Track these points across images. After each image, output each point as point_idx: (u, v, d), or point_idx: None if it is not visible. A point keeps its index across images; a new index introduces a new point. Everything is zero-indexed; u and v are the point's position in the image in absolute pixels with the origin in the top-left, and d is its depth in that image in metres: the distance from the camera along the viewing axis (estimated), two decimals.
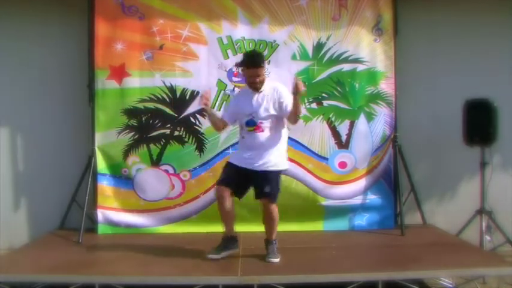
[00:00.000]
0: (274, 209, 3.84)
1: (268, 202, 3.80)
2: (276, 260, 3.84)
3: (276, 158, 3.82)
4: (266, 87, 3.83)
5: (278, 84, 3.91)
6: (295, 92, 3.56)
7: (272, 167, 3.81)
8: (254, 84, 3.78)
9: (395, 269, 3.65)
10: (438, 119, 5.06)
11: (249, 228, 4.68)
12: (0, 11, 4.92)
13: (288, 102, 3.74)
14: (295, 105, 3.65)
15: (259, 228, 4.69)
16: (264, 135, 3.79)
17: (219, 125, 3.96)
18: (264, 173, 3.78)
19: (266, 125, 3.79)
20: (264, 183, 3.77)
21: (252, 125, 3.79)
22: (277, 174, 3.86)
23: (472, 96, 4.62)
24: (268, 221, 3.89)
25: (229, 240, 3.93)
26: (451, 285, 3.82)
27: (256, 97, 3.81)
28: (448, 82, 5.07)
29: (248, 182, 3.86)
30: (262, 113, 3.77)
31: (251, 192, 4.75)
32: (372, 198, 4.91)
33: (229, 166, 3.88)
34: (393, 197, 4.91)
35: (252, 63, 3.74)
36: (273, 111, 3.78)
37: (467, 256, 3.99)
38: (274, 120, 3.81)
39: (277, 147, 3.84)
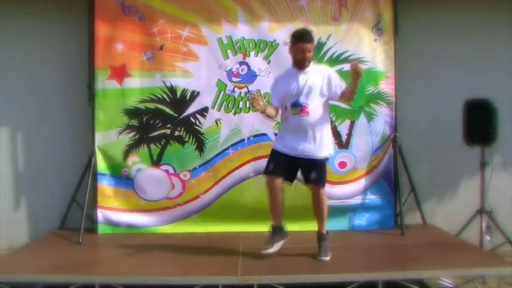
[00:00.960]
0: (323, 193, 3.81)
1: (316, 187, 3.79)
2: (328, 258, 3.81)
3: (322, 144, 3.76)
4: (312, 69, 3.77)
5: (326, 67, 3.90)
6: (356, 75, 3.53)
7: (318, 155, 3.75)
8: (302, 61, 3.69)
9: (395, 269, 3.65)
10: (438, 119, 5.06)
11: (249, 228, 4.71)
12: (0, 10, 4.93)
13: (338, 84, 3.72)
14: (355, 86, 3.60)
15: (259, 228, 4.70)
16: (310, 118, 3.70)
17: (274, 115, 3.82)
18: (310, 160, 3.75)
19: (312, 107, 3.70)
20: (310, 170, 3.75)
21: (298, 107, 3.71)
22: (323, 160, 3.82)
23: (472, 96, 4.62)
24: (319, 206, 3.85)
25: (280, 230, 3.89)
26: (451, 285, 3.82)
27: (303, 77, 3.73)
28: (448, 82, 5.07)
29: (296, 166, 3.81)
30: (309, 94, 3.69)
31: (249, 192, 4.80)
32: (372, 198, 4.91)
33: (275, 153, 3.80)
34: (393, 197, 4.91)
35: (302, 37, 3.68)
36: (321, 94, 3.73)
37: (467, 256, 3.99)
38: (321, 103, 3.75)
39: (323, 132, 3.77)
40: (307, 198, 4.78)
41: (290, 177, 3.86)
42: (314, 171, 3.75)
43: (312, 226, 4.79)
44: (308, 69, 3.76)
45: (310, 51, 3.71)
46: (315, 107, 3.72)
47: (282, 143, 3.81)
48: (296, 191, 4.80)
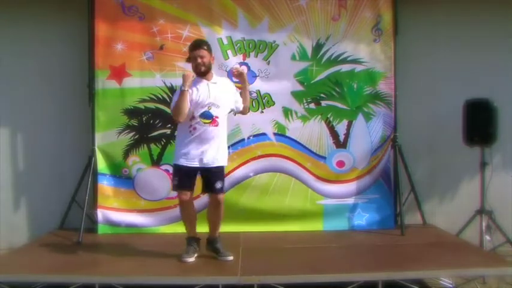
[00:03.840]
0: (223, 201, 3.85)
1: (220, 196, 3.81)
2: (232, 258, 3.86)
3: (224, 153, 3.87)
4: (220, 81, 3.89)
5: (229, 80, 4.09)
6: (243, 80, 3.77)
7: (222, 163, 3.84)
8: (198, 66, 3.74)
9: (395, 269, 3.65)
10: (438, 119, 5.07)
11: (249, 228, 4.71)
12: (0, 10, 4.93)
13: (239, 99, 3.93)
14: (246, 95, 3.93)
15: (259, 228, 4.73)
16: (217, 129, 3.78)
17: (186, 111, 3.71)
18: (216, 168, 3.80)
19: (221, 119, 3.80)
20: (216, 179, 3.78)
21: (208, 117, 3.75)
22: (224, 168, 3.89)
23: (472, 96, 4.62)
24: (218, 215, 3.87)
25: (195, 241, 3.93)
26: (451, 285, 3.82)
27: (213, 88, 3.79)
28: (448, 82, 5.07)
29: (196, 176, 3.86)
30: (219, 106, 3.77)
31: (249, 192, 4.79)
32: (372, 198, 4.91)
33: (179, 168, 3.81)
34: (393, 197, 4.92)
35: (193, 46, 3.80)
36: (228, 106, 3.85)
37: (467, 256, 3.99)
38: (226, 115, 3.87)
39: (225, 142, 3.89)
40: (304, 197, 4.85)
41: (193, 187, 3.88)
42: (220, 180, 3.80)
43: (311, 226, 4.84)
44: (216, 80, 3.85)
45: (202, 57, 3.75)
46: (222, 118, 3.81)
47: (185, 156, 3.78)
48: (292, 190, 4.85)
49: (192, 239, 3.92)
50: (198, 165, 3.77)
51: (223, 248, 3.91)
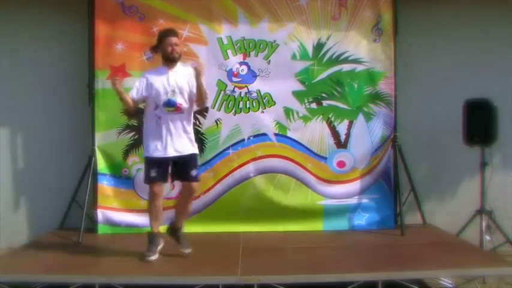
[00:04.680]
0: (197, 189, 3.85)
1: (195, 184, 3.80)
2: (189, 251, 3.88)
3: (192, 141, 3.85)
4: (180, 68, 3.86)
5: (189, 67, 3.93)
6: (197, 77, 3.71)
7: (195, 150, 3.83)
8: (172, 53, 3.75)
9: (395, 269, 3.65)
10: (438, 119, 5.07)
11: (249, 228, 4.71)
12: (0, 11, 4.92)
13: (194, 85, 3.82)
14: (199, 91, 3.76)
15: (259, 228, 4.73)
16: (183, 116, 3.79)
17: (130, 105, 3.82)
18: (190, 156, 3.79)
19: (185, 105, 3.79)
20: (191, 167, 3.78)
21: (172, 105, 3.75)
22: (197, 155, 3.88)
23: (472, 96, 4.62)
24: (189, 204, 3.87)
25: (157, 236, 3.91)
26: (451, 285, 3.82)
27: (173, 76, 3.79)
28: (448, 82, 5.07)
29: (169, 166, 3.85)
30: (181, 93, 3.77)
31: (249, 192, 4.79)
32: (372, 198, 4.91)
33: (152, 161, 3.79)
34: (393, 197, 4.91)
35: (168, 32, 3.80)
36: (189, 92, 3.82)
37: (467, 256, 3.99)
38: (190, 102, 3.84)
39: (192, 130, 3.87)
40: (304, 197, 4.85)
41: (166, 179, 3.91)
42: (194, 168, 3.80)
43: (311, 226, 4.84)
44: (177, 68, 3.84)
45: (177, 44, 3.79)
46: (186, 105, 3.80)
47: (154, 147, 3.79)
48: (293, 191, 4.85)
49: (156, 236, 3.90)
50: (171, 155, 3.76)
51: (184, 240, 3.92)
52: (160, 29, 3.99)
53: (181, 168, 3.81)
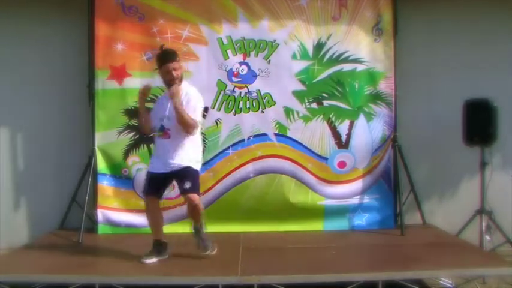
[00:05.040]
0: (199, 201, 3.80)
1: (190, 195, 3.74)
2: (208, 252, 3.88)
3: (189, 157, 3.78)
4: (184, 90, 3.77)
5: (190, 90, 3.82)
6: (171, 95, 3.62)
7: (187, 163, 3.77)
8: (172, 81, 3.68)
9: (395, 269, 3.65)
10: (438, 119, 5.06)
11: (249, 228, 4.71)
12: (0, 10, 4.92)
13: (192, 113, 3.70)
14: (177, 115, 3.62)
15: (259, 228, 4.72)
16: (170, 141, 3.75)
17: (148, 125, 3.85)
18: (182, 169, 3.76)
19: (175, 130, 3.72)
20: (184, 179, 3.74)
21: (161, 129, 3.78)
22: (193, 169, 3.80)
23: (472, 96, 4.62)
24: (192, 213, 3.83)
25: (161, 245, 3.94)
26: (451, 285, 3.82)
27: (168, 100, 3.73)
28: (448, 82, 5.07)
29: (167, 182, 3.91)
30: (170, 118, 3.73)
31: (249, 192, 4.79)
32: (372, 198, 4.91)
33: (151, 176, 3.86)
34: (393, 197, 4.91)
35: (166, 58, 3.71)
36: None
37: (467, 256, 3.99)
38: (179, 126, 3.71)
39: (186, 151, 3.77)
40: (305, 198, 4.85)
41: (162, 194, 3.93)
42: (187, 180, 3.73)
43: (311, 226, 4.84)
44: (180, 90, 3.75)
45: (176, 69, 3.69)
46: (178, 129, 3.71)
47: (152, 165, 3.90)
48: (293, 191, 4.85)
49: (156, 243, 3.94)
50: (162, 171, 3.79)
51: (203, 242, 3.90)
52: (158, 53, 3.80)
53: (177, 181, 3.85)
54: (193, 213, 3.83)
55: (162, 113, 3.79)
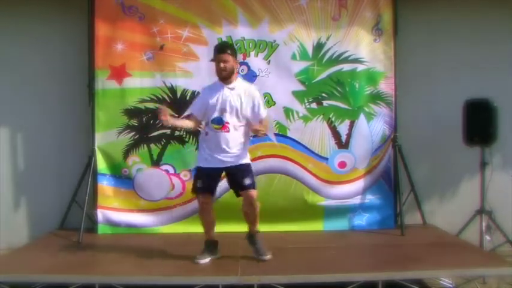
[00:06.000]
0: (255, 195, 3.77)
1: (250, 191, 3.72)
2: (268, 257, 3.84)
3: (246, 152, 3.81)
4: (239, 86, 3.78)
5: (255, 89, 3.86)
6: (255, 133, 3.69)
7: (245, 158, 3.78)
8: (219, 72, 3.70)
9: (395, 269, 3.65)
10: (438, 119, 5.07)
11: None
12: (0, 10, 4.92)
13: (262, 109, 3.76)
14: (256, 128, 3.64)
15: (259, 228, 4.70)
16: (229, 135, 3.71)
17: (190, 126, 3.83)
18: (240, 166, 3.74)
19: (233, 125, 3.72)
20: (243, 176, 3.72)
21: (219, 123, 3.72)
22: (251, 165, 3.83)
23: (472, 96, 4.62)
24: (251, 212, 3.79)
25: (213, 244, 3.92)
26: (451, 285, 3.82)
27: (228, 92, 3.73)
28: (448, 82, 5.08)
29: (218, 178, 3.84)
30: (231, 112, 3.71)
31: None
32: (372, 198, 4.91)
33: (204, 171, 3.80)
34: (393, 197, 4.91)
35: (218, 49, 3.76)
36: (242, 114, 3.74)
37: (467, 256, 3.99)
38: (242, 123, 3.75)
39: (244, 146, 3.79)
40: (305, 198, 4.84)
41: (215, 191, 3.87)
42: (247, 177, 3.72)
43: (311, 226, 4.84)
44: (235, 85, 3.76)
45: (225, 61, 3.68)
46: (235, 125, 3.72)
47: (205, 159, 3.79)
48: (294, 191, 4.85)
49: (208, 242, 3.91)
50: (219, 166, 3.74)
51: (261, 247, 3.87)
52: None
53: (234, 178, 3.79)
54: (251, 210, 3.76)
55: (215, 105, 3.72)
